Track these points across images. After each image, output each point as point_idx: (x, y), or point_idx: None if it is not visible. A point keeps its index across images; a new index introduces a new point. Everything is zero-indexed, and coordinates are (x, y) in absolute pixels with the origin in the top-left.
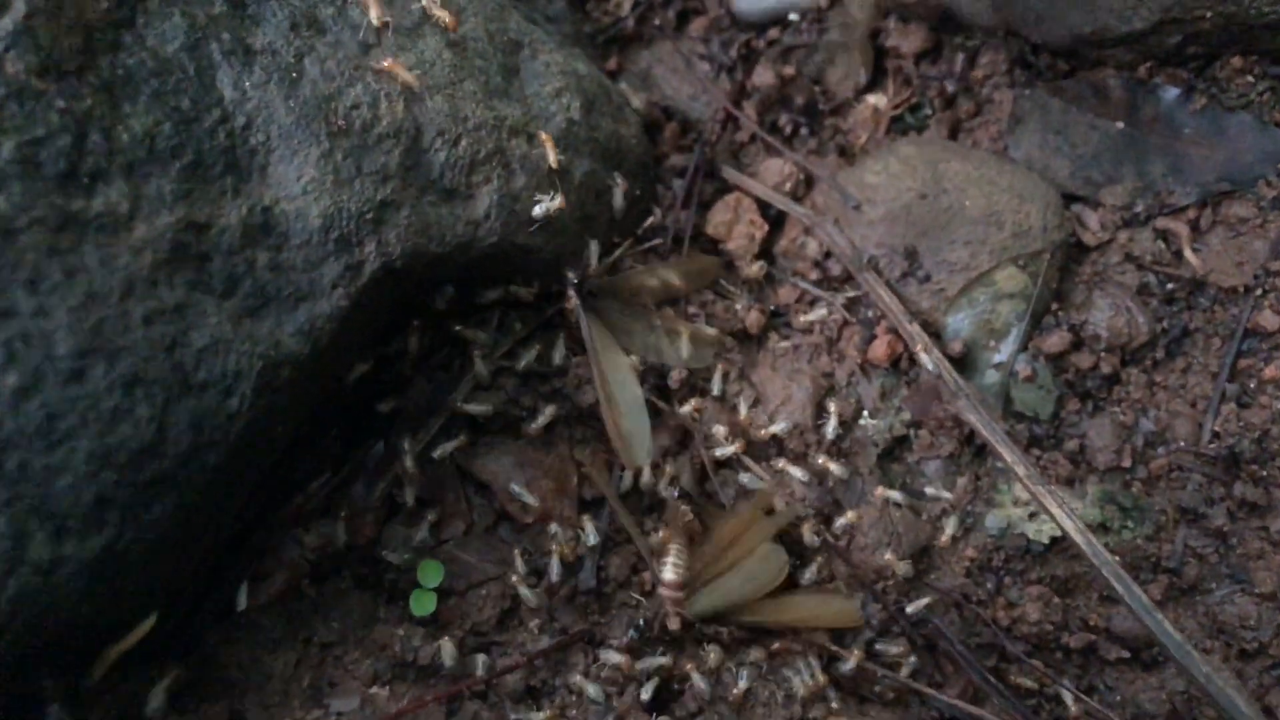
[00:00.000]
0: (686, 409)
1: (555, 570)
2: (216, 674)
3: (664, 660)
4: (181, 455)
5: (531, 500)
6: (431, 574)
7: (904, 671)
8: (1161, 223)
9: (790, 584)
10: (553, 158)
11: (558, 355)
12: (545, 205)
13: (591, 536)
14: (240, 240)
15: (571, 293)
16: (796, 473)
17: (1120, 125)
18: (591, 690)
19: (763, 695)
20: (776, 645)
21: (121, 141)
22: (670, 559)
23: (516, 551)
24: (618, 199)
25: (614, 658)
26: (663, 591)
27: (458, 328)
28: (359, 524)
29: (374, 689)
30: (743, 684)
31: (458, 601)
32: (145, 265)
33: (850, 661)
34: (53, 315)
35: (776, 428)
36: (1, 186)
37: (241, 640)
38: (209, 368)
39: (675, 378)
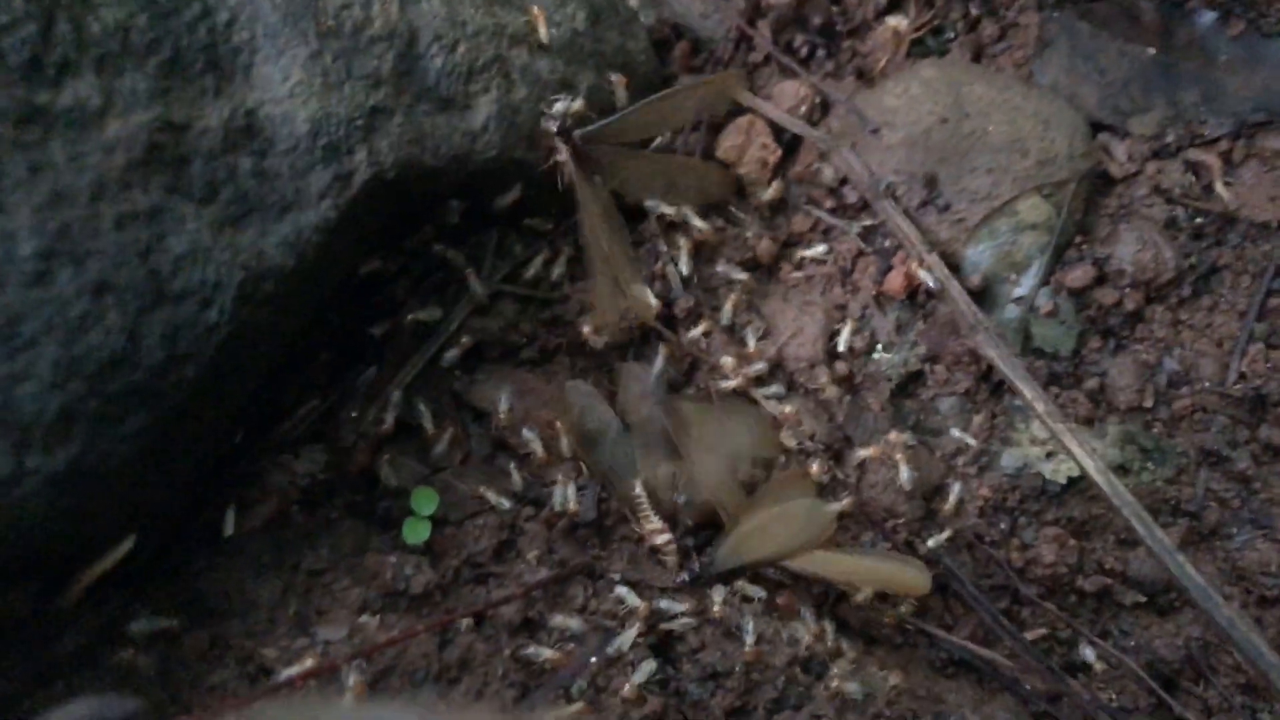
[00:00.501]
0: (695, 333)
1: (559, 498)
2: (200, 600)
3: (685, 607)
4: (155, 367)
5: (540, 450)
6: (426, 502)
7: (909, 610)
8: (1192, 154)
9: None
10: (544, 32)
11: (556, 271)
12: (565, 104)
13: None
14: (222, 144)
15: (558, 143)
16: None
17: (1152, 51)
18: (574, 624)
19: (767, 633)
20: (781, 599)
21: (92, 32)
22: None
23: (512, 464)
24: (620, 97)
25: (622, 593)
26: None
27: (437, 247)
28: (351, 451)
29: (363, 618)
30: (750, 637)
31: (453, 531)
32: (117, 165)
33: (863, 592)
34: (15, 213)
35: (756, 368)
36: None
37: (227, 567)
38: (186, 277)
39: (682, 306)
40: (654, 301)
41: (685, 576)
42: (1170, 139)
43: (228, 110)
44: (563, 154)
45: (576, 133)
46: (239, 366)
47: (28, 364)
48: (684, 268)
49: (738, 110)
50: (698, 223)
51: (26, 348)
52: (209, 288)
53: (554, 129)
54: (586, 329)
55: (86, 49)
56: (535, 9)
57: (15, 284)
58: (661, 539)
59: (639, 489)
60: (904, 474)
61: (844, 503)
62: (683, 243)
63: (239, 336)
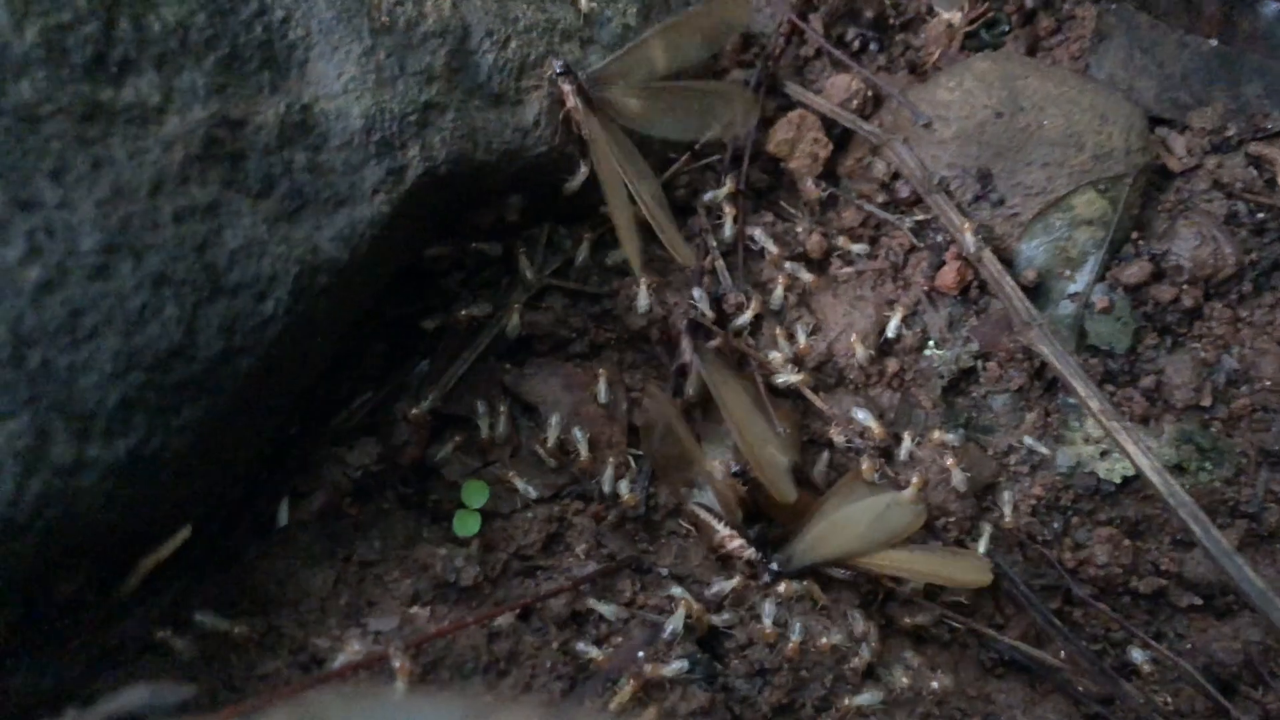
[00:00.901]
0: (745, 317)
1: (608, 484)
2: (254, 589)
3: (734, 583)
4: (212, 359)
5: (585, 452)
6: (476, 494)
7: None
8: (1254, 148)
9: None
10: (584, 3)
11: (611, 258)
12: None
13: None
14: (277, 139)
15: (565, 85)
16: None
17: (1214, 42)
18: (607, 611)
19: (815, 631)
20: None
21: (153, 30)
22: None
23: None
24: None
25: (673, 589)
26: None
27: (474, 245)
28: (403, 443)
29: (414, 609)
30: (796, 635)
31: (503, 524)
32: (176, 160)
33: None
34: (78, 208)
35: (791, 378)
36: (25, 72)
37: (281, 556)
38: (242, 270)
39: (731, 301)
40: (687, 249)
41: (767, 578)
42: (1231, 132)
43: (283, 106)
44: (570, 98)
45: (582, 74)
46: (294, 359)
47: (90, 355)
48: (728, 232)
49: (788, 104)
50: (771, 247)
51: (89, 339)
52: (264, 281)
53: (559, 68)
54: (640, 284)
55: (147, 47)
56: None
57: (78, 277)
58: (734, 544)
59: (706, 498)
60: (956, 477)
61: (916, 484)
62: (728, 210)
63: (294, 329)
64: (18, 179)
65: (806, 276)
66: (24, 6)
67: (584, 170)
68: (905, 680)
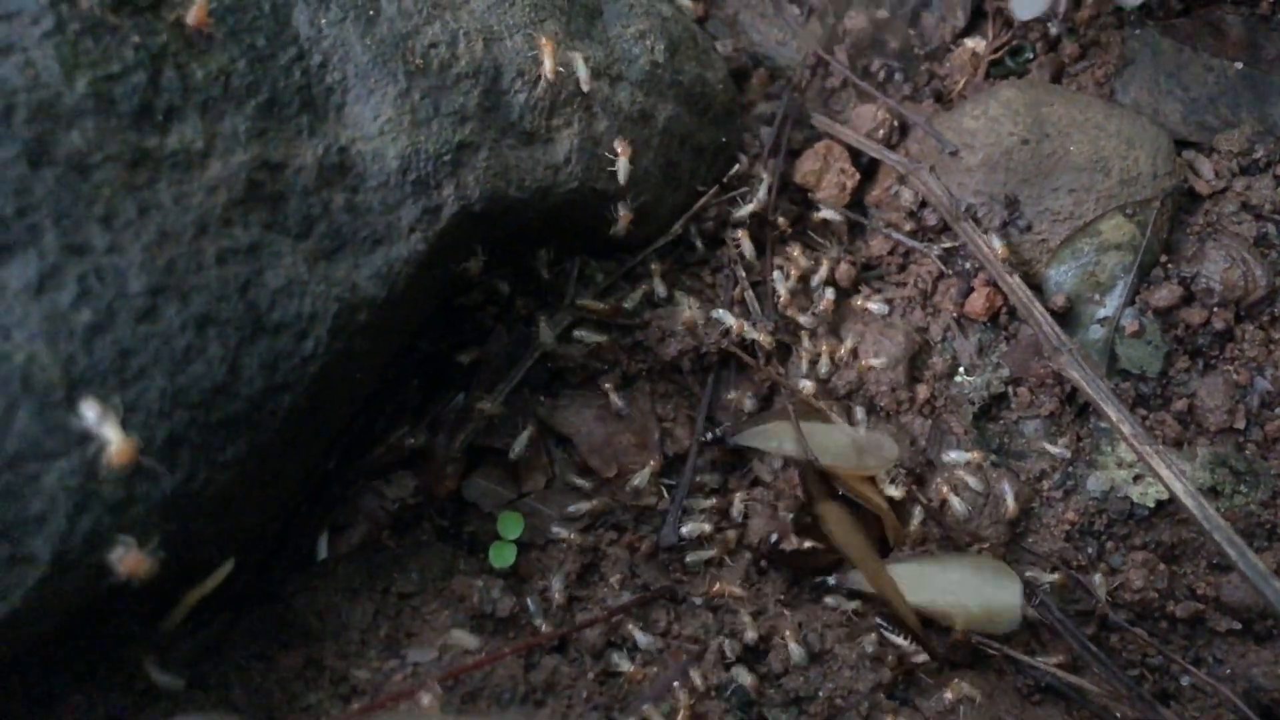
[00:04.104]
0: (774, 358)
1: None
2: (295, 622)
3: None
4: (255, 397)
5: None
6: (512, 526)
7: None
8: None
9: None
10: (549, 66)
11: (636, 297)
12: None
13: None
14: (316, 181)
15: None
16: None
17: (1239, 65)
18: (641, 639)
19: (851, 658)
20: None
21: (196, 79)
22: None
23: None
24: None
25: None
26: None
27: (502, 284)
28: (439, 476)
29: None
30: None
31: (538, 555)
32: (219, 204)
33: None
34: (126, 252)
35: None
36: (76, 122)
37: (321, 589)
38: (283, 309)
39: (761, 330)
40: None
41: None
42: (1259, 154)
43: (321, 148)
44: None
45: None
46: (333, 395)
47: (137, 395)
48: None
49: (815, 135)
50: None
51: (136, 380)
52: (305, 319)
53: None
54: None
55: (191, 94)
56: (542, 39)
57: (126, 318)
58: None
59: None
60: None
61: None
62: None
63: (333, 366)
64: (70, 225)
65: (821, 299)
66: (74, 59)
67: (627, 211)
68: (940, 709)
